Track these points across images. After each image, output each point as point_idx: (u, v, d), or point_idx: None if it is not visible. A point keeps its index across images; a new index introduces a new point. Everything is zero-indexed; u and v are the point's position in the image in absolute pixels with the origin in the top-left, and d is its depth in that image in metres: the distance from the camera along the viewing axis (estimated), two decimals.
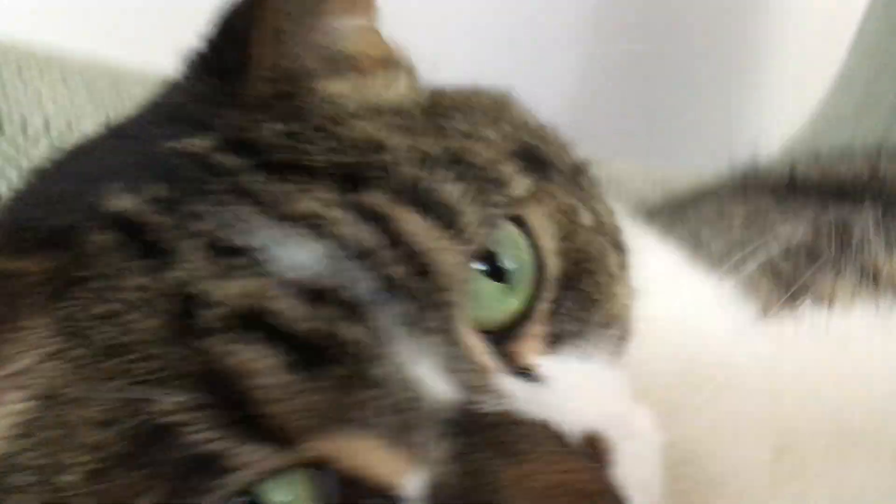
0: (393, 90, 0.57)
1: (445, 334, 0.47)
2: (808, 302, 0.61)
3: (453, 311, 0.48)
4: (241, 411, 0.43)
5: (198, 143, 0.50)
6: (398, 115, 0.54)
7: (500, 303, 0.52)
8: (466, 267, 0.49)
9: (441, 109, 0.57)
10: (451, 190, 0.50)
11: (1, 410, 0.46)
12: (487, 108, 0.59)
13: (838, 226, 0.67)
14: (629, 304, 0.58)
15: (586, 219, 0.57)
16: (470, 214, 0.50)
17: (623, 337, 0.57)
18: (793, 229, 0.68)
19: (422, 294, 0.47)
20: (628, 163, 1.12)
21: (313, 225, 0.47)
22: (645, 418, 0.54)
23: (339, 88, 0.54)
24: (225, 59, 0.54)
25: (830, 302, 0.61)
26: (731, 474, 0.55)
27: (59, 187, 0.54)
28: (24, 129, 0.84)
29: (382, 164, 0.49)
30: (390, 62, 0.59)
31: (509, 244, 0.52)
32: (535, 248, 0.53)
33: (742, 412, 0.56)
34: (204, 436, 0.43)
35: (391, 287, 0.46)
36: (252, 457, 0.43)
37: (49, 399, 0.45)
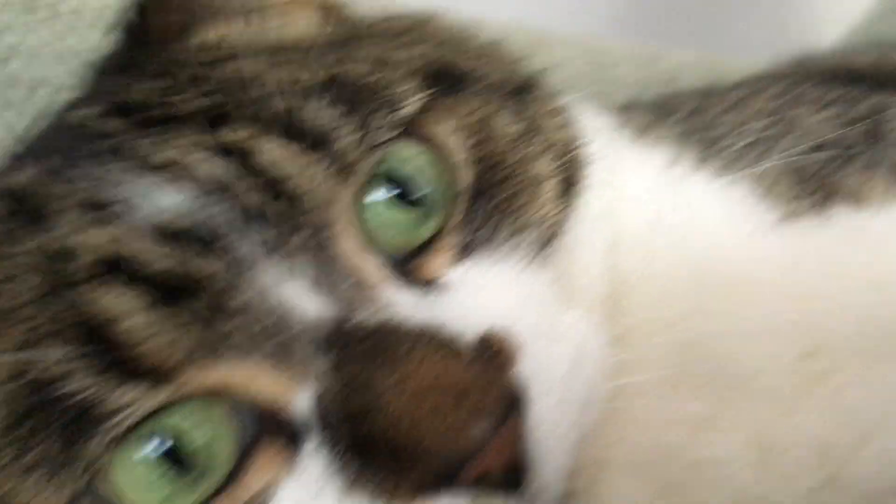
0: (294, 28, 0.59)
1: (317, 254, 0.48)
2: (837, 201, 0.57)
3: (326, 232, 0.48)
4: (112, 356, 0.45)
5: (83, 113, 0.54)
6: (293, 50, 0.56)
7: (415, 229, 0.52)
8: (347, 188, 0.50)
9: (353, 40, 0.58)
10: (323, 115, 0.50)
11: None
12: (404, 30, 0.61)
13: (874, 117, 0.62)
14: (558, 211, 0.57)
15: (511, 128, 0.57)
16: (346, 137, 0.50)
17: (548, 242, 0.55)
18: (824, 122, 0.63)
19: (284, 218, 0.48)
20: (685, 54, 1.09)
21: (174, 170, 0.49)
22: (579, 319, 0.53)
23: (221, 32, 0.57)
24: (133, 29, 0.59)
25: (862, 201, 0.57)
26: (757, 374, 0.53)
27: None
28: None
29: (250, 100, 0.51)
30: (304, 2, 0.61)
31: (411, 164, 0.53)
32: (442, 162, 0.53)
33: (766, 314, 0.54)
34: (79, 385, 0.44)
35: (250, 217, 0.47)
36: (127, 397, 0.45)
37: None
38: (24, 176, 0.52)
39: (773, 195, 0.59)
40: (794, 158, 0.59)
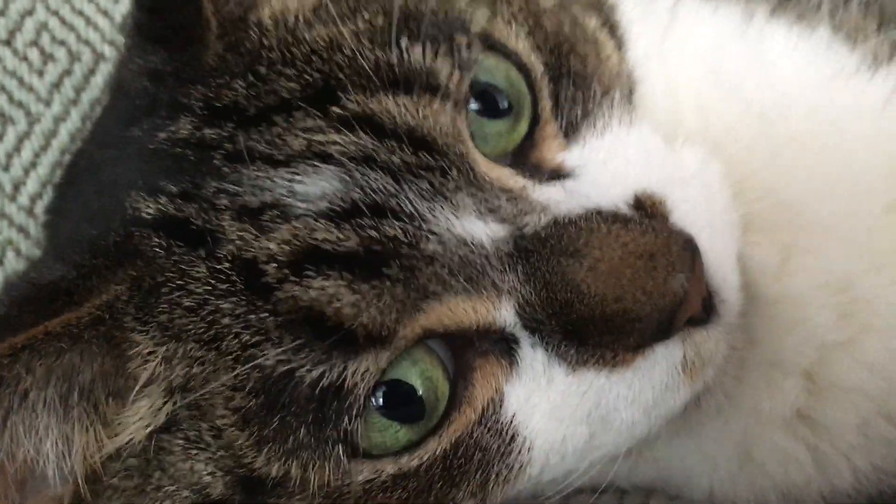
0: None
1: (469, 184, 0.50)
2: None
3: (466, 162, 0.51)
4: (332, 338, 0.48)
5: (182, 128, 0.52)
6: (336, 1, 0.54)
7: (512, 131, 0.54)
8: (461, 117, 0.52)
9: None
10: (417, 56, 0.51)
11: (141, 413, 0.51)
12: None
13: None
14: (622, 57, 0.59)
15: (547, 1, 0.58)
16: (444, 69, 0.52)
17: (631, 89, 0.58)
18: None
19: (432, 164, 0.50)
20: None
21: (314, 155, 0.50)
22: (693, 157, 0.56)
23: (279, 6, 0.55)
24: (168, 23, 0.55)
25: None
26: (841, 226, 0.56)
27: (82, 211, 0.57)
28: None
29: (345, 63, 0.51)
30: None
31: (492, 71, 0.54)
32: (513, 59, 0.55)
33: (850, 163, 0.56)
34: (315, 371, 0.48)
35: (404, 173, 0.49)
36: (360, 368, 0.48)
37: (183, 390, 0.50)
38: (156, 207, 0.52)
39: (856, 40, 0.59)
40: (876, 3, 0.59)
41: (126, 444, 0.52)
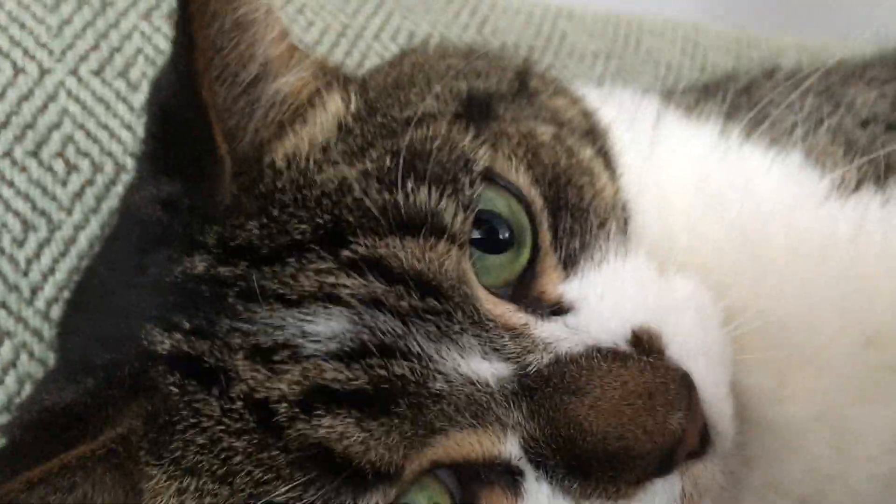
0: (330, 115, 0.59)
1: (474, 325, 0.52)
2: (891, 180, 0.59)
3: (471, 303, 0.53)
4: (341, 475, 0.49)
5: (198, 265, 0.54)
6: (343, 138, 0.57)
7: (514, 262, 0.56)
8: (465, 257, 0.54)
9: (375, 104, 0.59)
10: (422, 197, 0.54)
11: None
12: (413, 76, 0.62)
13: None
14: (617, 187, 0.61)
15: (545, 134, 0.60)
16: (448, 210, 0.54)
17: (626, 220, 0.60)
18: (874, 99, 0.65)
19: (438, 308, 0.52)
20: (784, 38, 1.09)
21: (325, 297, 0.52)
22: (684, 285, 0.58)
23: (291, 147, 0.57)
24: (182, 157, 0.57)
25: None
26: (825, 355, 0.57)
27: (95, 334, 0.59)
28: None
29: (353, 206, 0.53)
30: (319, 89, 0.61)
31: (493, 201, 0.56)
32: (514, 192, 0.57)
33: (827, 289, 0.57)
34: None
35: (411, 316, 0.51)
36: (370, 502, 0.50)
37: None
38: (170, 343, 0.53)
39: (824, 166, 0.61)
40: (844, 132, 0.62)
41: None
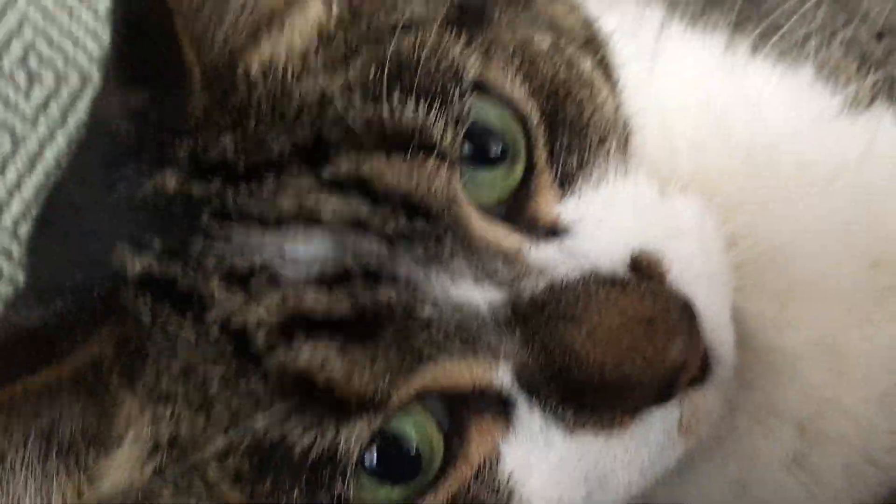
0: (311, 20, 0.55)
1: (465, 249, 0.50)
2: None
3: (462, 224, 0.50)
4: (323, 403, 0.47)
5: (169, 181, 0.51)
6: (324, 46, 0.53)
7: (507, 178, 0.53)
8: (456, 175, 0.51)
9: (360, 8, 0.55)
10: (409, 112, 0.50)
11: (125, 465, 0.50)
12: None
13: None
14: (618, 101, 0.58)
15: (543, 43, 0.57)
16: (437, 125, 0.50)
17: (627, 137, 0.57)
18: (890, 9, 0.61)
19: (427, 230, 0.49)
20: None
21: (305, 218, 0.49)
22: (686, 207, 0.56)
23: (266, 56, 0.53)
24: (147, 64, 0.53)
25: None
26: (825, 277, 0.56)
27: (65, 254, 0.56)
28: None
29: (336, 119, 0.50)
30: None
31: (487, 113, 0.53)
32: (509, 104, 0.54)
33: (834, 211, 0.56)
34: (306, 437, 0.47)
35: (398, 237, 0.48)
36: (353, 433, 0.48)
37: (170, 447, 0.49)
38: (141, 264, 0.50)
39: (837, 80, 0.58)
40: (858, 45, 0.59)
41: (110, 493, 0.51)
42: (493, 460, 0.52)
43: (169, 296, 0.50)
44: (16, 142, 0.84)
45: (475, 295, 0.49)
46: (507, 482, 0.52)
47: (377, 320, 0.48)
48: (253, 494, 0.48)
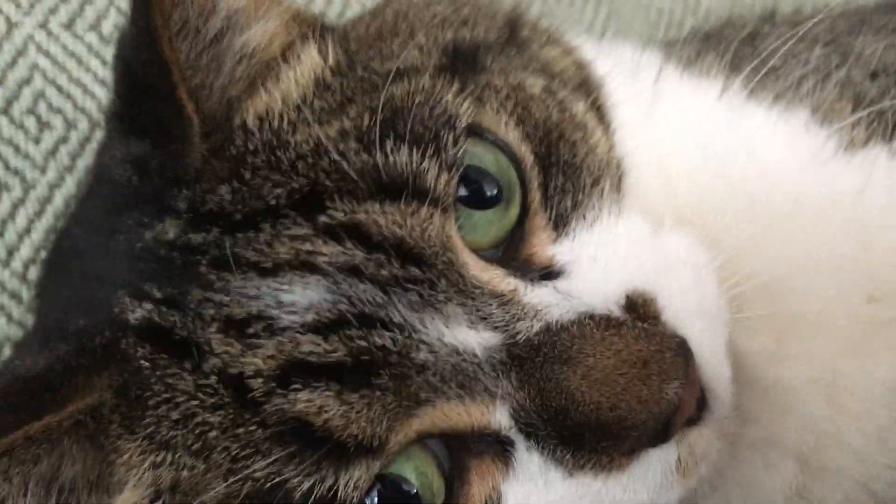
0: (306, 69, 0.56)
1: (459, 293, 0.50)
2: None
3: (456, 270, 0.51)
4: (322, 448, 0.48)
5: (168, 230, 0.52)
6: (320, 94, 0.54)
7: (502, 220, 0.54)
8: (450, 221, 0.52)
9: (355, 56, 0.56)
10: (403, 159, 0.51)
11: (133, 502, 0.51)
12: (397, 25, 0.59)
13: None
14: (611, 142, 0.59)
15: (535, 87, 0.57)
16: (430, 172, 0.51)
17: (620, 177, 0.58)
18: (883, 48, 0.62)
19: (420, 276, 0.50)
20: None
21: (301, 265, 0.49)
22: (680, 244, 0.56)
23: (263, 106, 0.54)
24: (147, 115, 0.54)
25: None
26: (825, 313, 0.56)
27: (69, 299, 0.57)
28: None
29: (331, 168, 0.50)
30: (293, 41, 0.58)
31: (481, 157, 0.54)
32: (502, 147, 0.54)
33: (830, 249, 0.56)
34: (305, 483, 0.48)
35: (392, 285, 0.49)
36: (352, 478, 0.48)
37: (172, 491, 0.50)
38: (141, 313, 0.51)
39: (832, 122, 0.59)
40: (852, 86, 0.59)
41: None
42: (494, 501, 0.52)
43: (168, 344, 0.50)
44: (25, 188, 0.86)
45: (470, 338, 0.50)
46: None
47: (373, 365, 0.48)
48: None
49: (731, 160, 0.60)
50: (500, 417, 0.51)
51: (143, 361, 0.51)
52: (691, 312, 0.54)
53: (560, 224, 0.55)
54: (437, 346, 0.49)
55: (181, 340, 0.50)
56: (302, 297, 0.49)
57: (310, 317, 0.49)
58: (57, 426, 0.49)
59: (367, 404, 0.48)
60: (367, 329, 0.49)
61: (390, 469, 0.51)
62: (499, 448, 0.52)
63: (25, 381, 0.53)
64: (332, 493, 0.48)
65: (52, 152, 0.87)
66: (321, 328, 0.49)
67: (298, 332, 0.49)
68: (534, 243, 0.55)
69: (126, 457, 0.51)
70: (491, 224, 0.54)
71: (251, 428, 0.48)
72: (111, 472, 0.51)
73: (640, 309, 0.53)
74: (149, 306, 0.51)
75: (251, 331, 0.49)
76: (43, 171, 0.86)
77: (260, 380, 0.49)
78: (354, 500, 0.49)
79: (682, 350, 0.51)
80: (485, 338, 0.50)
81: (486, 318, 0.51)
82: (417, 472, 0.51)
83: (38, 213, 0.86)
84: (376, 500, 0.50)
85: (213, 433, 0.49)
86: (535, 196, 0.55)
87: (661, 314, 0.53)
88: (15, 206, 0.86)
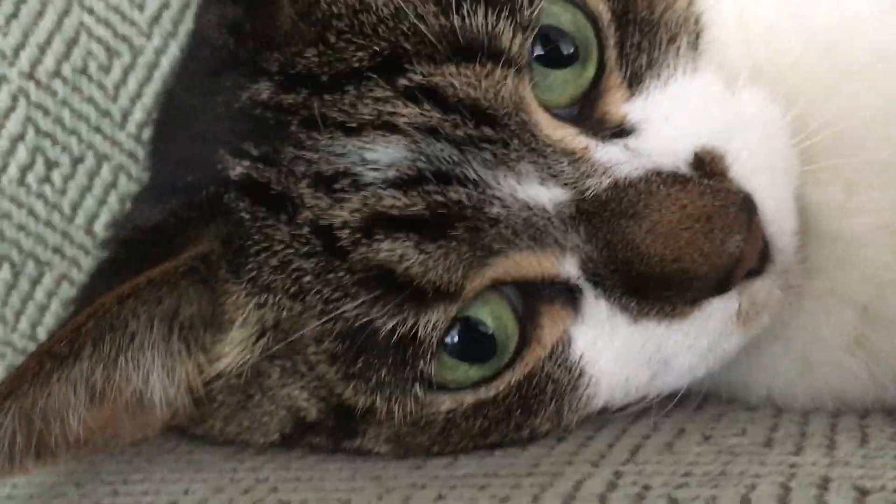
0: None
1: (531, 152, 0.53)
2: None
3: (528, 128, 0.53)
4: (405, 291, 0.52)
5: (262, 92, 0.55)
6: None
7: (578, 79, 0.56)
8: (524, 82, 0.53)
9: None
10: (478, 20, 0.52)
11: (238, 344, 0.58)
12: None
13: None
14: (689, 2, 0.59)
15: None
16: (505, 33, 0.53)
17: (698, 34, 0.59)
18: None
19: (494, 136, 0.52)
20: None
21: (383, 125, 0.53)
22: (754, 99, 0.57)
23: None
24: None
25: None
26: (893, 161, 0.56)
27: (177, 156, 0.62)
28: None
29: (410, 32, 0.52)
30: None
31: (558, 16, 0.55)
32: (579, 5, 0.55)
33: None
34: (389, 323, 0.53)
35: (467, 144, 0.52)
36: (431, 319, 0.53)
37: (275, 329, 0.56)
38: (241, 169, 0.56)
39: None
40: None
41: (226, 369, 0.59)
42: (565, 343, 0.56)
43: (265, 198, 0.55)
44: (134, 54, 0.91)
45: (541, 194, 0.53)
46: (578, 362, 0.57)
47: (449, 219, 0.52)
48: (347, 373, 0.55)
49: (812, 9, 0.59)
50: (569, 268, 0.55)
51: (244, 214, 0.56)
52: (759, 168, 0.55)
53: (634, 82, 0.56)
54: (510, 202, 0.52)
55: (277, 195, 0.55)
56: (384, 155, 0.53)
57: (391, 173, 0.53)
58: (174, 271, 0.56)
59: (443, 254, 0.52)
60: (443, 185, 0.52)
61: (468, 312, 0.55)
62: (568, 296, 0.56)
63: (145, 231, 0.60)
64: (412, 332, 0.53)
65: (156, 18, 0.91)
66: (401, 184, 0.53)
67: (381, 187, 0.53)
68: (607, 102, 0.56)
69: (234, 298, 0.57)
70: (566, 83, 0.56)
71: (340, 274, 0.53)
72: (222, 311, 0.57)
73: (707, 166, 0.54)
74: (247, 163, 0.56)
75: (338, 186, 0.53)
76: (149, 37, 0.91)
77: (347, 231, 0.53)
78: (434, 339, 0.53)
79: (746, 205, 0.53)
80: (555, 194, 0.53)
81: (556, 176, 0.53)
82: (493, 315, 0.55)
83: (148, 78, 0.92)
84: (456, 338, 0.55)
85: (308, 278, 0.54)
86: (611, 55, 0.56)
87: (729, 171, 0.54)
88: (125, 72, 0.91)
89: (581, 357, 0.57)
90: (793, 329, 0.61)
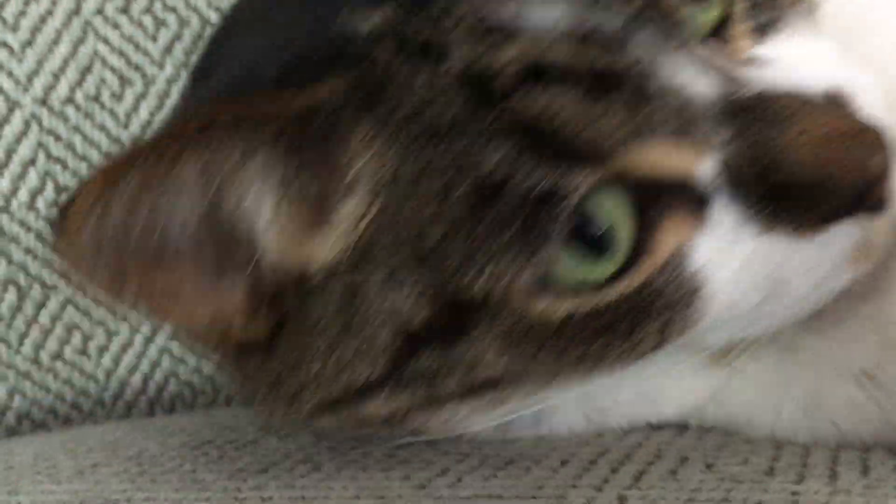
0: None
1: (685, 48, 0.54)
2: None
3: (685, 29, 0.54)
4: (555, 146, 0.51)
5: None
6: None
7: (705, 15, 0.56)
8: None
9: None
10: None
11: (349, 210, 0.54)
12: None
13: None
14: None
15: None
16: None
17: (812, 8, 0.60)
18: None
19: (657, 18, 0.53)
20: None
21: None
22: (863, 73, 0.58)
23: None
24: None
25: None
26: None
27: (293, 15, 0.59)
28: None
29: None
30: None
31: None
32: None
33: None
34: (529, 180, 0.51)
35: (631, 20, 0.52)
36: (577, 178, 0.51)
37: (391, 184, 0.53)
38: (379, 19, 0.53)
39: None
40: None
41: (332, 259, 0.55)
42: (682, 254, 0.54)
43: (405, 47, 0.53)
44: (146, 83, 0.93)
45: (695, 85, 0.53)
46: (694, 278, 0.54)
47: (608, 84, 0.51)
48: (466, 253, 0.52)
49: None
50: (706, 167, 0.53)
51: (379, 59, 0.52)
52: (883, 114, 0.55)
53: (758, 35, 0.58)
54: (666, 84, 0.52)
55: (421, 43, 0.52)
56: (547, 15, 0.52)
57: (558, 25, 0.51)
58: (320, 101, 0.52)
59: (599, 114, 0.51)
60: (605, 50, 0.51)
61: (588, 204, 0.52)
62: (695, 204, 0.54)
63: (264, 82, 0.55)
64: (553, 190, 0.51)
65: (168, 49, 0.94)
66: (563, 39, 0.51)
67: (544, 37, 0.51)
68: (735, 44, 0.57)
69: (360, 136, 0.53)
70: (706, 20, 0.56)
71: (485, 124, 0.51)
72: (346, 149, 0.53)
73: (840, 101, 0.55)
74: (384, 14, 0.53)
75: (492, 37, 0.51)
76: (161, 66, 0.93)
77: (502, 77, 0.51)
78: (571, 202, 0.51)
79: (882, 135, 0.53)
80: (706, 90, 0.53)
81: (712, 72, 0.53)
82: (612, 212, 0.53)
83: (158, 107, 0.94)
84: (572, 234, 0.52)
85: (444, 127, 0.51)
86: (740, 7, 0.57)
87: (860, 112, 0.55)
88: (137, 100, 0.93)
89: (697, 272, 0.54)
90: (805, 355, 0.61)
